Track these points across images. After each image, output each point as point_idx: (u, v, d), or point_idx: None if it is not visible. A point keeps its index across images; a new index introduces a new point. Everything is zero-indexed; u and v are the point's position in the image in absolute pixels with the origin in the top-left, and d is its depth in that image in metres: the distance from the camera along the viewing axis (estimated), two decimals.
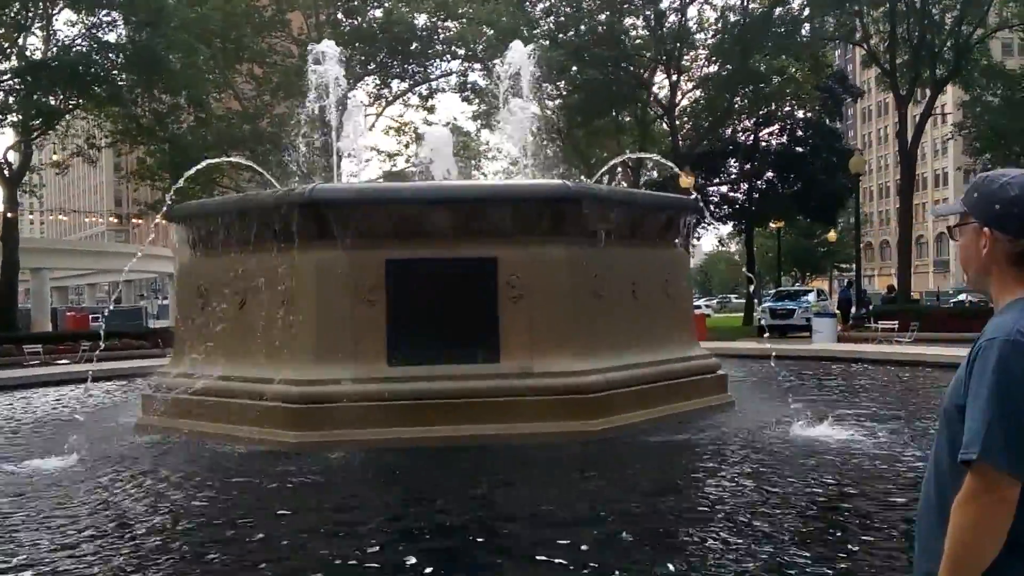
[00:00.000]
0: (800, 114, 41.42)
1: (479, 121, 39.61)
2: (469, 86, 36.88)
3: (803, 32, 35.87)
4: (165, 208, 10.87)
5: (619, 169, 38.33)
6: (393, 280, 9.25)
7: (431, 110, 38.49)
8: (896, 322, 23.03)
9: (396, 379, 9.07)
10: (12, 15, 30.77)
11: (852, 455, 7.70)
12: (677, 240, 11.07)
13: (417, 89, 37.88)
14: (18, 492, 7.06)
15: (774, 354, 12.81)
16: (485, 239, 9.41)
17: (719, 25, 36.51)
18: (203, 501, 6.72)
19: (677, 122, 37.94)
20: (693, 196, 12.70)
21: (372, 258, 9.24)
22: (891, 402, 11.46)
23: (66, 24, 34.95)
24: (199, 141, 32.05)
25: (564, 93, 36.64)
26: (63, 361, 22.73)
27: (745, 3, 36.19)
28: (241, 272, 9.92)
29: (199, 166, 10.09)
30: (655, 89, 39.01)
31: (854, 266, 73.84)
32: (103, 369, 18.18)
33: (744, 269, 39.45)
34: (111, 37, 31.09)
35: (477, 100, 37.27)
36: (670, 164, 13.14)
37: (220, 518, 6.19)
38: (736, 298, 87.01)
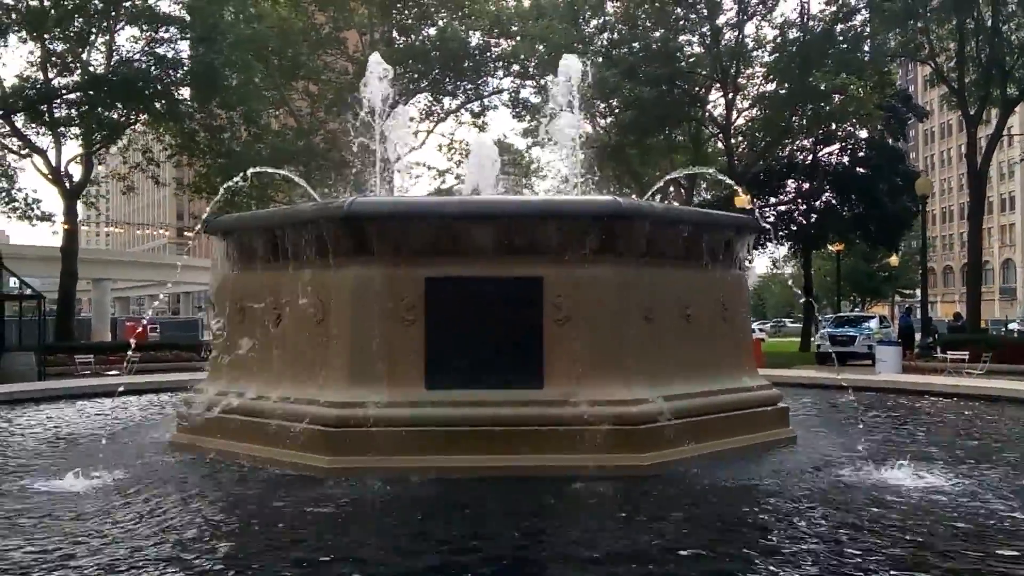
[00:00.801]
0: (862, 134, 40.24)
1: (530, 138, 39.24)
2: (521, 103, 36.55)
3: (865, 49, 34.87)
4: (204, 221, 10.55)
5: (671, 188, 37.65)
6: (432, 299, 8.79)
7: (482, 128, 38.27)
8: (967, 352, 21.93)
9: (434, 403, 8.60)
10: (76, 30, 31.32)
11: (934, 507, 6.96)
12: (735, 261, 10.45)
13: (469, 106, 37.66)
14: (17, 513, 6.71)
15: (844, 384, 12.00)
16: (530, 257, 8.90)
17: (777, 42, 35.68)
18: (219, 537, 6.28)
19: (733, 141, 37.13)
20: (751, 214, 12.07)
21: (411, 275, 8.80)
22: (969, 443, 10.64)
23: (128, 40, 35.53)
24: (254, 156, 32.14)
25: (617, 110, 36.06)
26: (112, 372, 22.77)
27: (805, 19, 35.36)
28: (277, 288, 9.56)
29: (237, 178, 9.71)
30: (710, 107, 38.27)
31: (917, 292, 71.87)
32: (150, 382, 18.13)
33: (801, 291, 38.22)
34: (170, 53, 31.50)
35: (528, 117, 36.91)
36: (728, 180, 12.53)
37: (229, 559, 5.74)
38: (791, 322, 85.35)
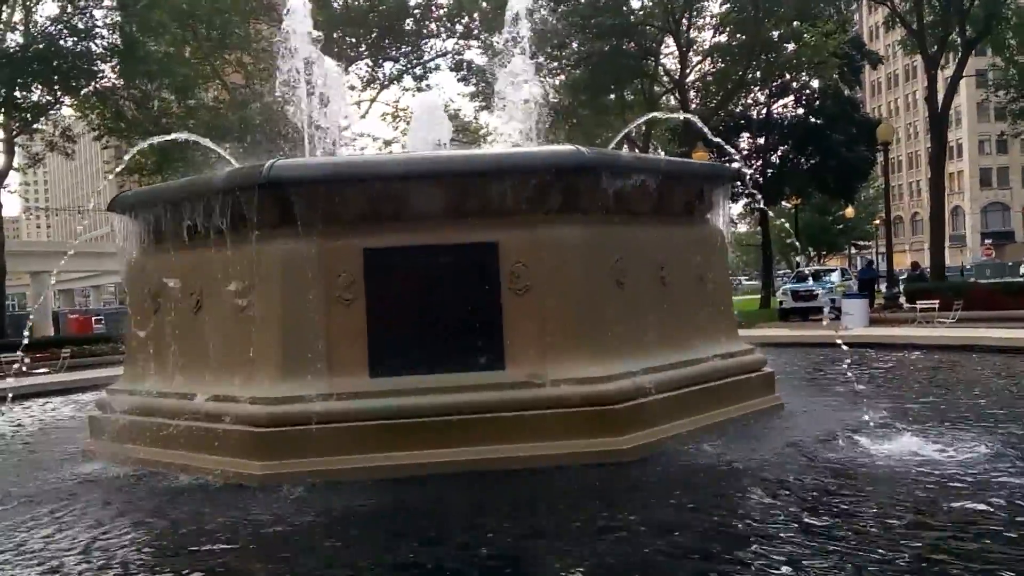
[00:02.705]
0: (815, 83, 39.42)
1: (476, 101, 37.81)
2: (465, 64, 35.08)
3: None
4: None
5: (625, 146, 36.54)
6: (373, 274, 7.63)
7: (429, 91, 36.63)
8: (936, 301, 21.28)
9: (380, 393, 7.47)
10: None
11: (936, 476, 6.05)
12: (712, 215, 9.42)
13: (412, 70, 36.04)
14: None
15: (840, 342, 11.08)
16: (484, 220, 7.77)
17: None
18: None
19: (687, 96, 36.11)
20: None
21: (347, 247, 7.62)
22: (963, 398, 9.80)
23: (44, 18, 33.42)
24: (187, 131, 30.42)
25: (567, 68, 34.79)
26: (42, 370, 21.25)
27: None
28: (195, 270, 8.32)
29: (142, 145, 8.42)
30: (663, 61, 37.12)
31: (873, 243, 72.03)
32: (80, 380, 16.78)
33: (795, 239, 37.35)
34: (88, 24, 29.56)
35: (475, 80, 35.47)
36: (699, 122, 11.35)
37: None
38: (746, 279, 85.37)
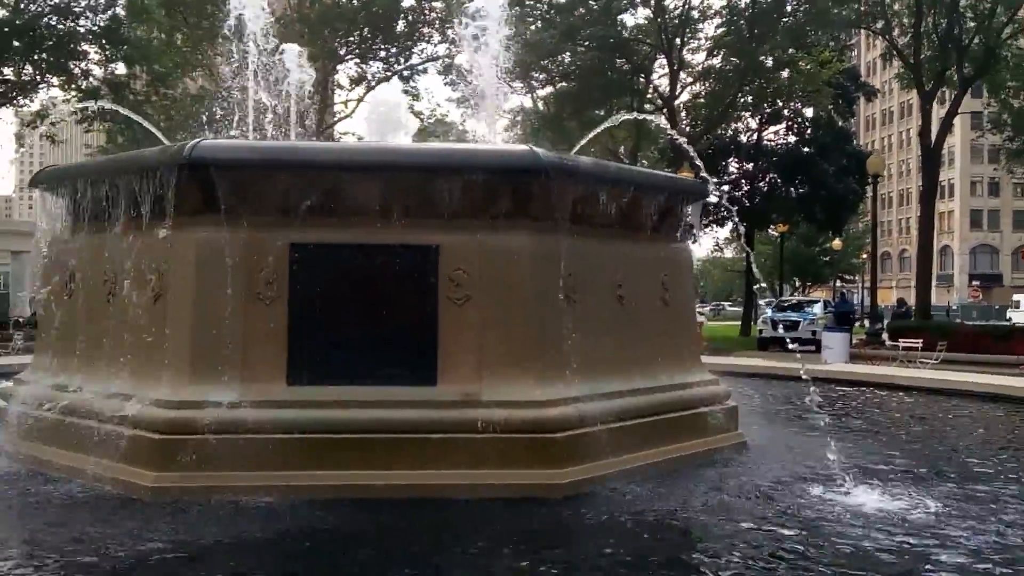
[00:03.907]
0: (808, 112, 38.98)
1: (463, 106, 37.14)
2: (456, 69, 34.44)
3: (816, 21, 33.37)
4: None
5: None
6: (299, 271, 6.91)
7: (416, 96, 35.94)
8: (920, 340, 20.68)
9: (298, 404, 6.74)
10: None
11: (913, 548, 5.34)
12: (679, 233, 8.74)
13: (398, 69, 35.30)
14: None
15: (794, 376, 10.41)
16: (424, 221, 7.04)
17: (724, 14, 34.03)
18: None
19: (676, 116, 35.55)
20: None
21: (272, 240, 6.89)
22: (942, 449, 9.13)
23: None
24: (164, 121, 29.68)
25: (556, 78, 34.17)
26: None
27: None
28: (110, 255, 7.58)
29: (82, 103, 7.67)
30: (654, 79, 36.55)
31: (858, 277, 71.71)
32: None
33: (755, 272, 36.87)
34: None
35: (463, 84, 34.85)
36: (678, 137, 10.75)
37: None
38: (730, 305, 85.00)
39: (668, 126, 11.12)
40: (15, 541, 5.41)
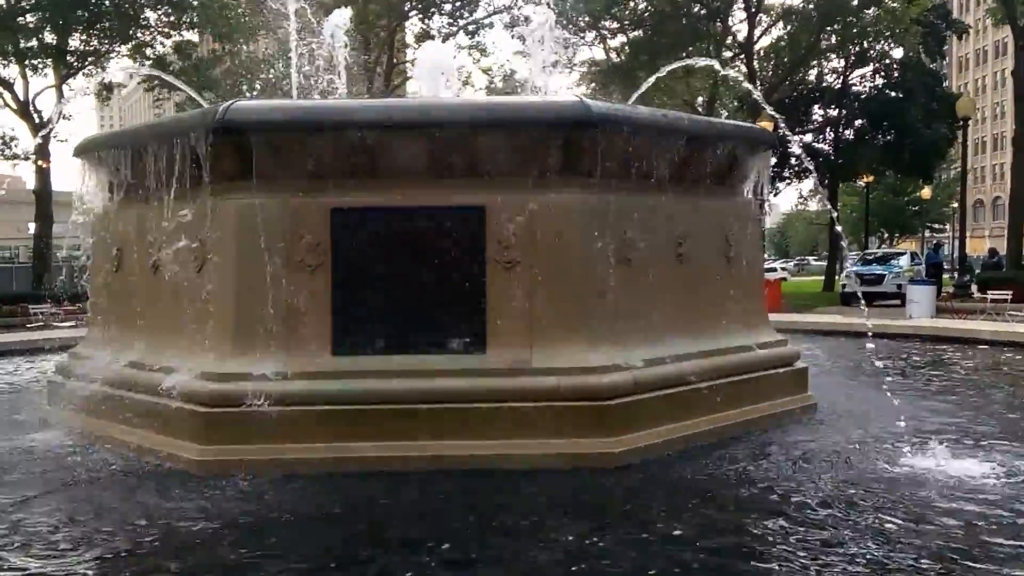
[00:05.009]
0: (896, 54, 37.05)
1: (529, 59, 36.36)
2: (523, 20, 33.66)
3: None
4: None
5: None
6: (342, 237, 6.68)
7: (483, 51, 35.36)
8: (1010, 292, 19.59)
9: (342, 374, 6.54)
10: None
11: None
12: (745, 185, 8.24)
13: (463, 24, 34.64)
14: None
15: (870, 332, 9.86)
16: (470, 181, 6.73)
17: None
18: None
19: (755, 63, 34.24)
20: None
21: (313, 206, 6.67)
22: None
23: None
24: (233, 87, 29.90)
25: (628, 26, 33.14)
26: (68, 324, 20.96)
27: None
28: (153, 225, 7.48)
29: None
30: (731, 23, 35.16)
31: (949, 227, 68.88)
32: None
33: (834, 218, 35.39)
34: None
35: (528, 37, 34.13)
36: (749, 86, 10.11)
37: None
38: (815, 260, 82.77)
39: (740, 76, 10.47)
40: (67, 513, 5.34)
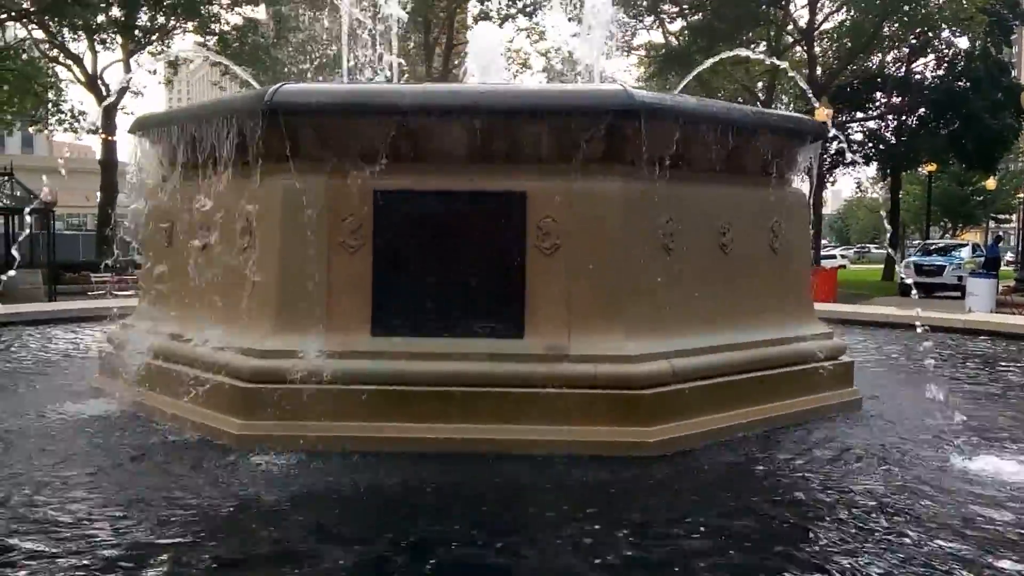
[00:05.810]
0: (962, 43, 36.02)
1: (586, 42, 36.10)
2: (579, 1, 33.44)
3: None
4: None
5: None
6: (383, 219, 6.74)
7: (541, 34, 35.19)
8: None
9: (381, 355, 6.62)
10: None
11: None
12: (793, 176, 8.11)
13: (521, 6, 34.45)
14: None
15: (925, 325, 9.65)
16: (512, 167, 6.75)
17: None
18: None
19: (816, 48, 33.55)
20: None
21: (355, 188, 6.73)
22: None
23: None
24: (285, 64, 30.18)
25: (687, 11, 32.68)
26: (128, 292, 21.49)
27: None
28: (204, 204, 7.61)
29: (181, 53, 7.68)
30: (792, 8, 34.46)
31: (1016, 217, 67.06)
32: None
33: (887, 214, 34.62)
34: None
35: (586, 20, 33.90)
36: (801, 81, 9.98)
37: None
38: (876, 248, 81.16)
39: (792, 71, 10.26)
40: (113, 484, 5.50)
